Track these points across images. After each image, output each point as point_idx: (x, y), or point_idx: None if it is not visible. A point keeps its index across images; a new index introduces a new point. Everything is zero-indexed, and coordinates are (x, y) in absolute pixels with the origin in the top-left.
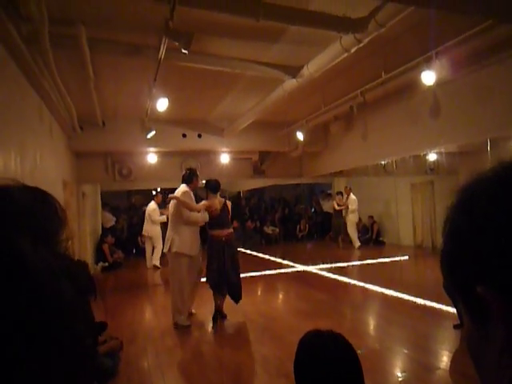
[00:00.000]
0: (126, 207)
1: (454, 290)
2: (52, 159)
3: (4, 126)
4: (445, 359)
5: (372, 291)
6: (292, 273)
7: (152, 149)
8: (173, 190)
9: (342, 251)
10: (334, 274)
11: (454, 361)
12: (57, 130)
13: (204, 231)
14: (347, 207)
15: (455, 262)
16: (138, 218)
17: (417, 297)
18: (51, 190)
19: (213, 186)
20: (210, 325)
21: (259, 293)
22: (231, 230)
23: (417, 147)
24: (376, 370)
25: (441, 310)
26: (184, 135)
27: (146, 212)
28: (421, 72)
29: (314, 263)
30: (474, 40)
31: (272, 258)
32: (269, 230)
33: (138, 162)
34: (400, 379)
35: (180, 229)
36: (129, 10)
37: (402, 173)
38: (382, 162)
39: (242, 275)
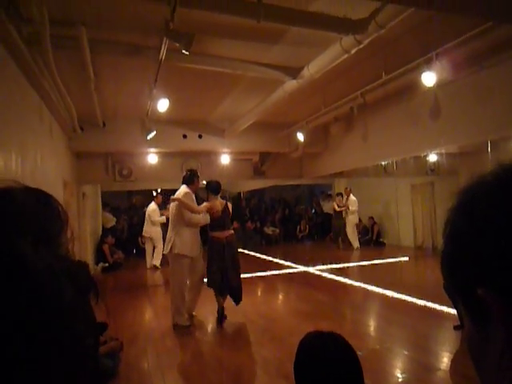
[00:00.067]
0: (126, 208)
1: (454, 292)
2: (52, 160)
3: (4, 126)
4: (445, 360)
5: (372, 292)
6: (292, 274)
7: (152, 149)
8: (173, 191)
9: (342, 252)
10: (335, 274)
11: (454, 362)
12: (57, 130)
13: (204, 232)
14: (348, 208)
15: (455, 263)
16: (138, 219)
17: (417, 298)
18: (51, 190)
19: (214, 188)
20: (210, 326)
21: (259, 293)
22: (232, 231)
23: (417, 148)
24: (376, 370)
25: (441, 311)
26: (184, 136)
27: (146, 213)
28: (421, 73)
29: (315, 264)
30: (474, 41)
31: (272, 259)
32: (269, 230)
33: (138, 162)
34: (400, 380)
35: (181, 230)
36: (129, 10)
37: (402, 174)
38: (383, 163)
39: (242, 276)
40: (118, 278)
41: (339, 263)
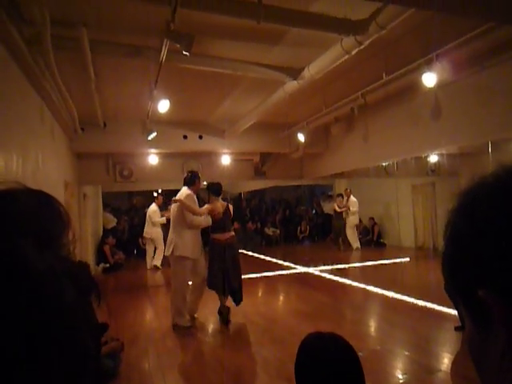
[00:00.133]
0: (127, 208)
1: (455, 293)
2: (53, 160)
3: (5, 127)
4: (446, 361)
5: (373, 293)
6: (293, 274)
7: (153, 150)
8: (174, 192)
9: (342, 253)
10: (335, 275)
11: (455, 363)
12: (58, 131)
13: (205, 234)
14: (348, 209)
15: (456, 265)
16: (138, 219)
17: (418, 298)
18: (53, 191)
19: (215, 189)
20: (211, 326)
21: (260, 294)
22: (232, 233)
23: (418, 149)
24: (377, 371)
25: (442, 312)
26: (185, 137)
27: (147, 214)
28: (422, 74)
29: (315, 265)
30: (474, 42)
31: (273, 260)
32: (269, 231)
33: (139, 163)
34: (401, 381)
35: (182, 232)
36: (130, 11)
37: (403, 174)
38: (383, 164)
39: (242, 276)
40: (119, 279)
41: (340, 264)
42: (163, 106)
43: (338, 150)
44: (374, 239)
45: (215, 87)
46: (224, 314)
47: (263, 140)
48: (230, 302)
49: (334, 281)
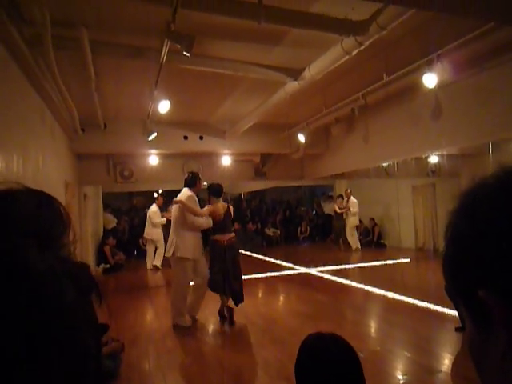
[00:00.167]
0: (127, 209)
1: (455, 294)
2: (54, 161)
3: (6, 127)
4: (446, 362)
5: (373, 293)
6: (293, 275)
7: (153, 151)
8: (174, 192)
9: (342, 253)
10: (335, 276)
11: (455, 364)
12: (58, 131)
13: (205, 235)
14: (349, 210)
15: (457, 266)
16: (139, 220)
17: (418, 299)
18: (53, 191)
19: (216, 190)
20: (211, 327)
21: (260, 295)
22: (233, 234)
23: (418, 149)
24: (377, 372)
25: (442, 313)
26: (185, 137)
27: (148, 214)
28: (422, 74)
29: (315, 265)
30: (475, 43)
31: (273, 260)
32: (270, 231)
33: (139, 163)
34: (401, 382)
35: (183, 233)
36: (130, 12)
37: (403, 175)
38: (384, 164)
39: (243, 277)
40: (119, 280)
41: (340, 264)
42: (164, 106)
43: (338, 150)
44: (374, 240)
45: (216, 88)
46: (228, 315)
47: (264, 141)
48: (230, 303)
49: (334, 281)
